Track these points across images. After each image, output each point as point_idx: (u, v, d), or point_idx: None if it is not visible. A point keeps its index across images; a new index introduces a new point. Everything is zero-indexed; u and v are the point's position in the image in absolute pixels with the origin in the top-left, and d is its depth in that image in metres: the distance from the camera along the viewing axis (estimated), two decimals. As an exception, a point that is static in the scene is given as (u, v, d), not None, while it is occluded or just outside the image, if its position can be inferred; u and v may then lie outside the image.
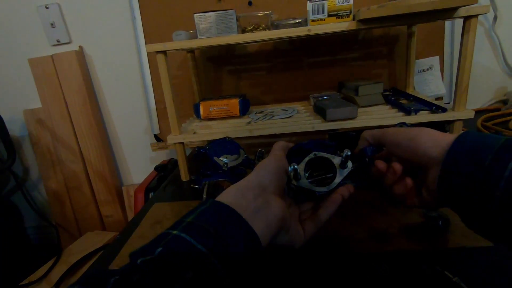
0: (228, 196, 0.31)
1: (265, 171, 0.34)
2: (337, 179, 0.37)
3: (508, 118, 0.86)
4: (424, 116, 0.66)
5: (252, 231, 0.28)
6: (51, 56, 1.06)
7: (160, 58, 0.65)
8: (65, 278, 0.90)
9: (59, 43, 1.07)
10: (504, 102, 1.00)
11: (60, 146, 1.13)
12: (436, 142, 0.31)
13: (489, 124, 0.84)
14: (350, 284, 0.37)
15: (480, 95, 1.02)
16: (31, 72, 1.08)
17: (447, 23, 0.93)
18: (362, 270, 0.38)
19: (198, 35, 0.67)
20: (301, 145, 0.41)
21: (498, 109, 0.96)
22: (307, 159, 0.39)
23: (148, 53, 1.01)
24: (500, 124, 0.83)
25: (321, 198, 0.37)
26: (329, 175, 0.39)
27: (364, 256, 0.41)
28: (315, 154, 0.39)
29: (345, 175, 0.37)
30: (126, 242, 0.50)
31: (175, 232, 0.26)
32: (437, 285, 0.35)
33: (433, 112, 0.66)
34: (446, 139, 0.31)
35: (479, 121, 0.86)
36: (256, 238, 0.28)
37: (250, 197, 0.31)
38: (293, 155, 0.40)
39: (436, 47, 0.95)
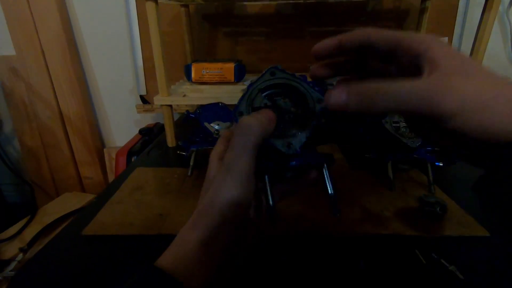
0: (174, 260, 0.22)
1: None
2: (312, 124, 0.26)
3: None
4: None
5: None
6: (26, -3, 0.94)
7: (150, 6, 0.58)
8: (39, 238, 0.86)
9: (35, -17, 0.95)
10: (504, 92, 0.98)
11: (36, 99, 1.05)
12: None
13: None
14: (342, 267, 0.35)
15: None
16: (3, 14, 0.97)
17: (462, 3, 0.87)
18: (355, 252, 0.36)
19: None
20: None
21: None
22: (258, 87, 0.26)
23: (137, 1, 0.91)
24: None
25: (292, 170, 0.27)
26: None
27: (358, 239, 0.39)
28: (272, 72, 0.26)
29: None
30: (102, 206, 0.46)
31: None
32: (432, 273, 0.34)
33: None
34: None
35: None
36: None
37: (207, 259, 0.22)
38: None
39: (446, 28, 0.90)
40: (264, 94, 0.27)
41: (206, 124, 0.52)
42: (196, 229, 0.23)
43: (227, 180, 0.23)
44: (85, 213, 0.45)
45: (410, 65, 0.22)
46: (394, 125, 0.51)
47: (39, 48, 0.98)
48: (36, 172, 1.17)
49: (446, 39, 0.90)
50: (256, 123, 0.24)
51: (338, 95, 0.21)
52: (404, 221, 0.42)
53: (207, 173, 0.26)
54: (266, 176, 0.26)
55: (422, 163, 0.50)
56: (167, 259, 0.23)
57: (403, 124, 0.51)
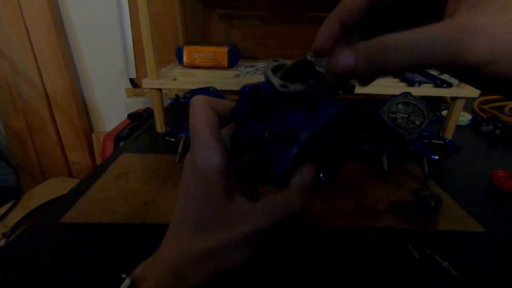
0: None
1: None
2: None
3: (505, 103, 0.84)
4: (428, 89, 0.61)
5: None
6: (8, -31, 0.89)
7: (139, -18, 0.54)
8: (23, 223, 0.84)
9: (18, -46, 0.89)
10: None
11: (21, 80, 1.00)
12: None
13: (485, 107, 0.81)
14: (336, 259, 0.33)
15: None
16: (-17, -14, 0.91)
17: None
18: (349, 246, 0.35)
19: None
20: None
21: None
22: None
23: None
24: (496, 109, 0.80)
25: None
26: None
27: (352, 230, 0.37)
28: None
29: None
30: (84, 193, 0.43)
31: None
32: (426, 268, 0.32)
33: (437, 86, 0.61)
34: None
35: (475, 103, 0.83)
36: None
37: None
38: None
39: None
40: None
41: (196, 109, 0.50)
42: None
43: (196, 191, 0.20)
44: (66, 200, 0.42)
45: (431, 9, 0.17)
46: (391, 115, 0.49)
47: (22, 24, 0.93)
48: (21, 156, 1.13)
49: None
50: (202, 99, 0.21)
51: (344, 57, 0.17)
52: (398, 215, 0.40)
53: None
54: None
55: (418, 155, 0.49)
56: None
57: (400, 115, 0.49)
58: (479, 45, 0.13)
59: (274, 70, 0.20)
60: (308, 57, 0.23)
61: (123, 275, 0.21)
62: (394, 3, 0.17)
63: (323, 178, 0.22)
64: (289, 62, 0.20)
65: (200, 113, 0.21)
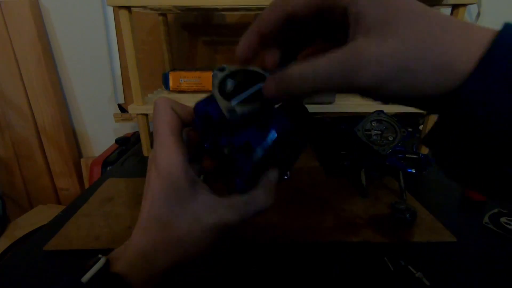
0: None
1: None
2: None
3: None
4: (400, 106, 0.64)
5: None
6: (-1, 4, 0.92)
7: (124, 15, 0.57)
8: (9, 253, 0.82)
9: (8, -11, 0.93)
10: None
11: (9, 108, 1.01)
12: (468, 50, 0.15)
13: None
14: (316, 274, 0.34)
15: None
16: (-26, 20, 0.94)
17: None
18: (327, 260, 0.36)
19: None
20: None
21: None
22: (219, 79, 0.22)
23: (114, 9, 0.90)
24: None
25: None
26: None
27: (329, 245, 0.39)
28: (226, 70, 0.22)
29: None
30: (68, 220, 0.44)
31: None
32: (400, 279, 0.34)
33: (410, 103, 0.64)
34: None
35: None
36: None
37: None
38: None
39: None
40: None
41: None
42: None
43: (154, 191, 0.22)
44: (50, 227, 0.43)
45: (339, 28, 0.18)
46: (366, 132, 0.51)
47: (12, 55, 0.95)
48: (8, 184, 1.12)
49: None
50: (163, 100, 0.23)
51: (268, 84, 0.19)
52: (375, 228, 0.42)
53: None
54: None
55: (394, 170, 0.51)
56: (121, 263, 0.22)
57: (374, 132, 0.52)
58: (368, 73, 0.15)
59: (222, 84, 0.22)
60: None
61: (99, 255, 0.23)
62: (306, 21, 0.19)
63: (285, 177, 0.24)
64: (233, 67, 0.22)
65: (163, 114, 0.22)
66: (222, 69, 0.22)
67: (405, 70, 0.15)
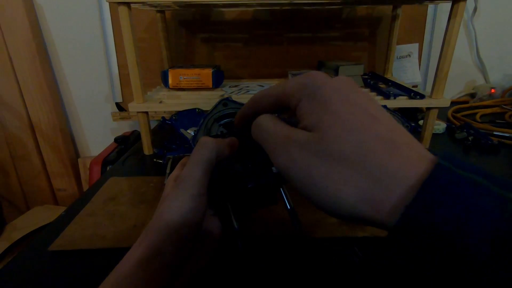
0: None
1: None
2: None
3: (476, 111, 0.89)
4: (402, 101, 0.64)
5: None
6: (-9, 1, 0.90)
7: (123, 11, 0.56)
8: (7, 255, 0.81)
9: (1, -14, 0.90)
10: (472, 95, 1.03)
11: (3, 107, 0.99)
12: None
13: (459, 115, 0.85)
14: (322, 270, 0.34)
15: (451, 86, 1.04)
16: (-34, 18, 0.91)
17: (430, 11, 0.92)
18: (334, 256, 0.36)
19: (169, -11, 0.58)
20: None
21: (466, 102, 0.99)
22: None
23: (110, 6, 0.89)
24: (469, 116, 0.85)
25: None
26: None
27: (336, 241, 0.39)
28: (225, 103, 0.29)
29: None
30: (72, 220, 0.43)
31: None
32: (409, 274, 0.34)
33: (411, 98, 0.64)
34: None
35: (449, 112, 0.88)
36: None
37: None
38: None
39: (416, 35, 0.94)
40: (220, 123, 0.29)
41: (182, 130, 0.51)
42: (139, 246, 0.22)
43: (178, 195, 0.23)
44: (53, 228, 0.42)
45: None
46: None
47: (5, 53, 0.93)
48: (4, 185, 1.10)
49: (417, 45, 0.94)
50: (211, 140, 0.26)
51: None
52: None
53: (162, 195, 0.26)
54: (229, 204, 0.26)
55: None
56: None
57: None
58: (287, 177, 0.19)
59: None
60: (289, 76, 0.31)
61: None
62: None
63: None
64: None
65: (198, 169, 0.25)
66: (225, 104, 0.29)
67: (311, 185, 0.17)
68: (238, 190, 0.27)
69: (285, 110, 0.21)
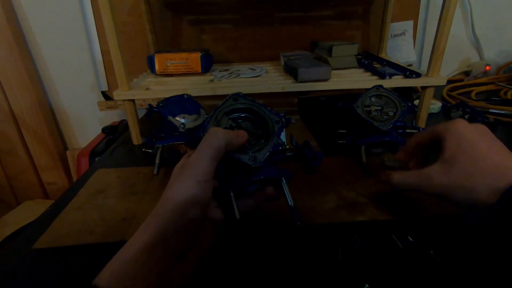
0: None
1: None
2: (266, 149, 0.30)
3: (471, 89, 0.88)
4: (398, 80, 0.62)
5: None
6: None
7: (100, -9, 0.52)
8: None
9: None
10: (467, 73, 1.02)
11: (-17, 101, 0.94)
12: (493, 188, 0.27)
13: (454, 93, 0.84)
14: (323, 256, 0.33)
15: (445, 65, 1.02)
16: None
17: (425, -14, 0.88)
18: (334, 243, 0.35)
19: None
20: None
21: (461, 80, 0.98)
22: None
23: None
24: (464, 95, 0.84)
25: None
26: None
27: (335, 226, 0.38)
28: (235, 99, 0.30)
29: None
30: (58, 215, 0.41)
31: None
32: (410, 257, 0.33)
33: (407, 77, 0.62)
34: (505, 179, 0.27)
35: (444, 91, 0.87)
36: None
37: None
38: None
39: (411, 11, 0.91)
40: (229, 117, 0.30)
41: (170, 118, 0.48)
42: (144, 232, 0.23)
43: (184, 179, 0.23)
44: (39, 224, 0.40)
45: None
46: (365, 109, 0.50)
47: (-20, 43, 0.88)
48: (-9, 181, 1.06)
49: (412, 22, 0.91)
50: (221, 130, 0.26)
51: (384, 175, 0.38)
52: (379, 206, 0.41)
53: (169, 182, 0.26)
54: (231, 192, 0.27)
55: (395, 146, 0.50)
56: (105, 274, 0.21)
57: (374, 107, 0.50)
58: (432, 189, 0.33)
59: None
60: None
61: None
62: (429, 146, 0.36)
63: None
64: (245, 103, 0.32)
65: (206, 156, 0.25)
66: (235, 99, 0.30)
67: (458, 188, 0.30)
68: (244, 181, 0.28)
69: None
